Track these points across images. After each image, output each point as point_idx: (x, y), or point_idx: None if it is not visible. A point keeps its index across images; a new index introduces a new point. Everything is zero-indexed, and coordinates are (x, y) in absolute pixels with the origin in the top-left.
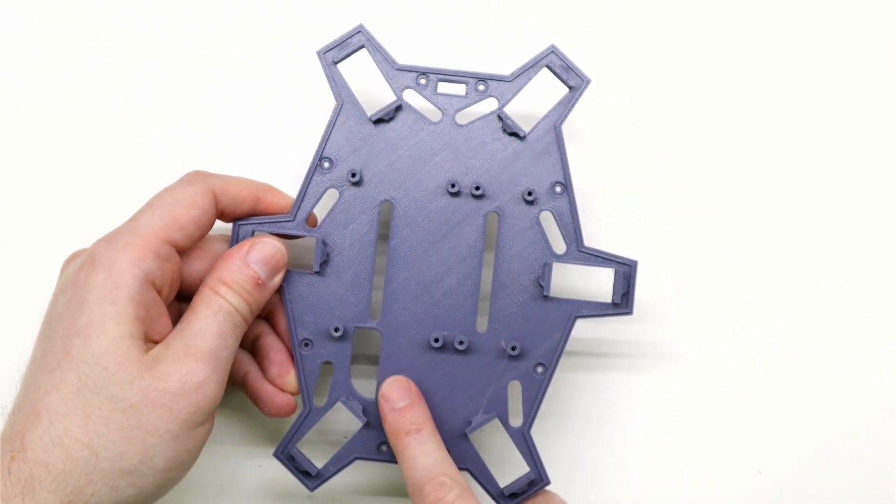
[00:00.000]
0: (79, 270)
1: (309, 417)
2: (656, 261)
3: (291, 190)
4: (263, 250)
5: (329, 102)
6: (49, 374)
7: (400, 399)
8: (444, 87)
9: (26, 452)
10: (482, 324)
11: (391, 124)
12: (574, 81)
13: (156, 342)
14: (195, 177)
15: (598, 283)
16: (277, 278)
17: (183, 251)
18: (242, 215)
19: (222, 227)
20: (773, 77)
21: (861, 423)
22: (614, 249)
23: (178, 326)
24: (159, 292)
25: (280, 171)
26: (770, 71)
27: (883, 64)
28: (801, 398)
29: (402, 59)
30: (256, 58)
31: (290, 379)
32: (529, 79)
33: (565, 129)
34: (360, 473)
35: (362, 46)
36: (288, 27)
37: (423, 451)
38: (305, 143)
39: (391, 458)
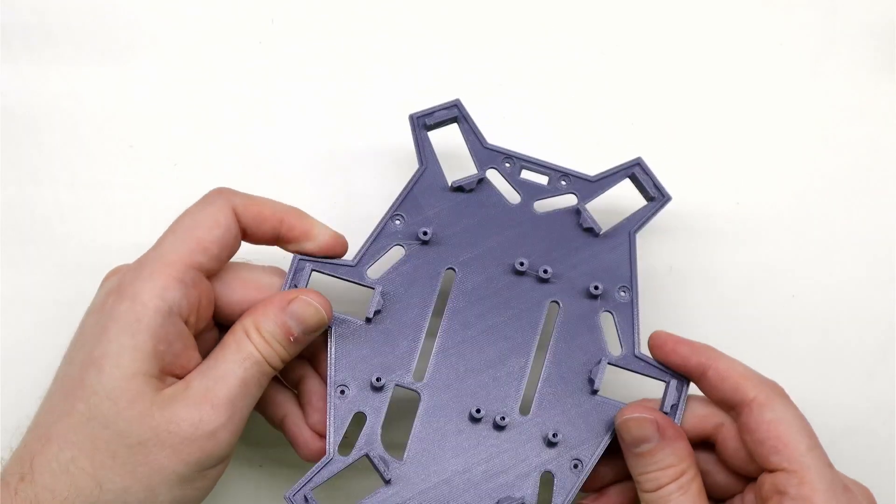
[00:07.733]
0: (107, 296)
1: (330, 465)
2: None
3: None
4: (304, 310)
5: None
6: (63, 400)
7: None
8: (527, 175)
9: (34, 475)
10: (525, 407)
11: (470, 195)
12: (655, 194)
13: (178, 376)
14: (216, 195)
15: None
16: (311, 337)
17: (211, 274)
18: (264, 235)
19: (244, 253)
20: None
21: (861, 423)
22: None
23: (204, 364)
24: (186, 321)
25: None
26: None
27: (872, 70)
28: (801, 397)
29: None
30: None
31: None
32: (612, 184)
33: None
34: None
35: (455, 120)
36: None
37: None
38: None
39: None
